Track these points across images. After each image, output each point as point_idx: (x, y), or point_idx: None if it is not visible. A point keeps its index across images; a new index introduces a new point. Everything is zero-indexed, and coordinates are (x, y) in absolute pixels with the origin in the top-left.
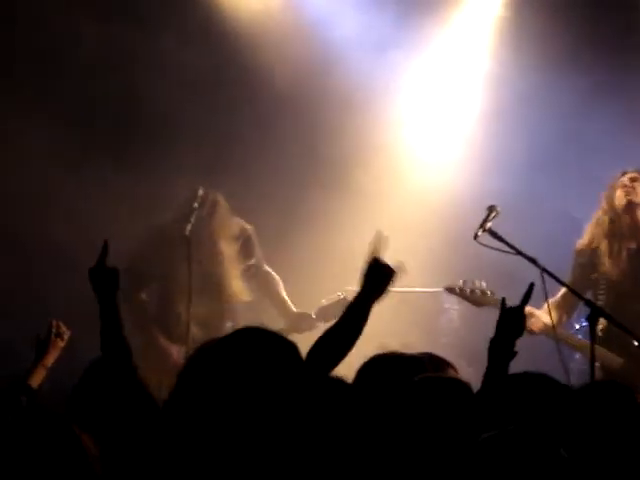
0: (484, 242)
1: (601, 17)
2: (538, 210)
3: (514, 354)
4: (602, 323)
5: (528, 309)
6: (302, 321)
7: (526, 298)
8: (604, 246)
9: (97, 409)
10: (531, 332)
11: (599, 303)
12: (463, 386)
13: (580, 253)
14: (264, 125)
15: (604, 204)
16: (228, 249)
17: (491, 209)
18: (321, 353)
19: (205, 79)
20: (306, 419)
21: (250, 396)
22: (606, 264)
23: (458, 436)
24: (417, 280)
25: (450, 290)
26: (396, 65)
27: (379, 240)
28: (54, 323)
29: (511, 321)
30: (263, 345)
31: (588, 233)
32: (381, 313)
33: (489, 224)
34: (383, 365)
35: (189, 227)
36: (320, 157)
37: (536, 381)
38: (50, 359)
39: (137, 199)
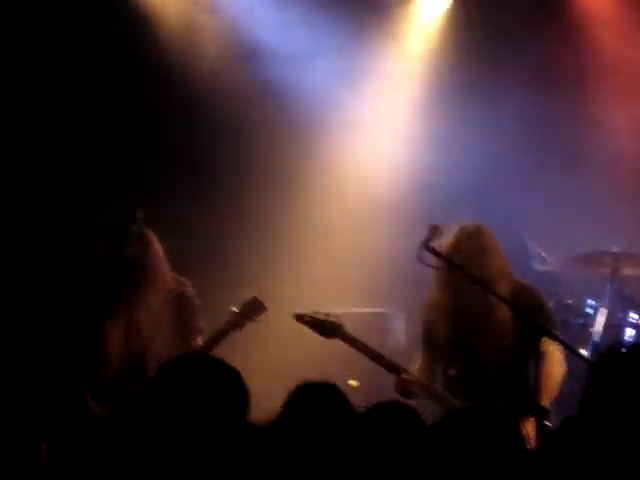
0: (427, 261)
1: None
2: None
3: None
4: (454, 369)
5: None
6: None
7: None
8: None
9: None
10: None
11: None
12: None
13: None
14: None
15: None
16: (155, 296)
17: (433, 228)
18: None
19: None
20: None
21: (191, 423)
22: None
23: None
24: (361, 300)
25: (299, 318)
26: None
27: None
28: None
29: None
30: (205, 371)
31: None
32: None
33: (431, 243)
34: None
35: (127, 250)
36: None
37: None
38: None
39: None
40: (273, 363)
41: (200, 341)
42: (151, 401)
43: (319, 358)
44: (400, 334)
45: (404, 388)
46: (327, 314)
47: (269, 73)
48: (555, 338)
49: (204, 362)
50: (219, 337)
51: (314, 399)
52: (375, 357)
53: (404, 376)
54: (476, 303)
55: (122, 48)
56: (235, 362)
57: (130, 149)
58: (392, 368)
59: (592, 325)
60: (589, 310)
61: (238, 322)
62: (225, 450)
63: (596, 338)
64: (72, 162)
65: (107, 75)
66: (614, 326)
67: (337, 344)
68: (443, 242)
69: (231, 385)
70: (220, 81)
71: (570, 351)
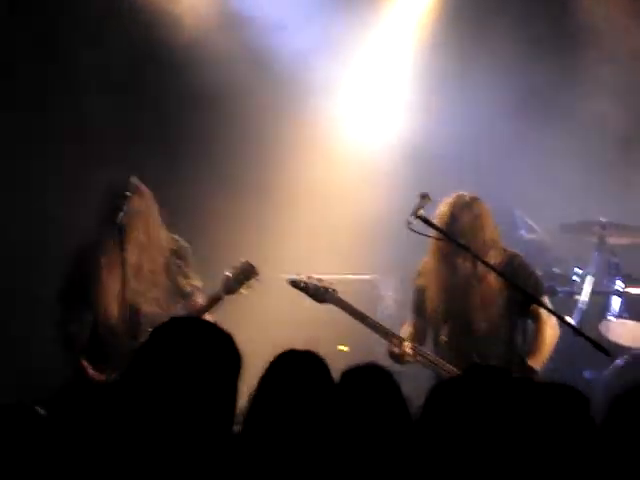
0: (416, 229)
1: None
2: None
3: None
4: (444, 335)
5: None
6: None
7: None
8: None
9: None
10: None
11: None
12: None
13: None
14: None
15: None
16: (157, 243)
17: (423, 196)
18: None
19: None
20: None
21: (187, 386)
22: None
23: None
24: (351, 266)
25: (294, 284)
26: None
27: None
28: None
29: None
30: (198, 335)
31: None
32: (314, 302)
33: (421, 211)
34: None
35: (122, 215)
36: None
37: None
38: None
39: None
40: (265, 328)
41: (201, 299)
42: (143, 365)
43: (311, 323)
44: (390, 300)
45: (397, 354)
46: (320, 279)
47: (253, 40)
48: (543, 306)
49: (197, 326)
50: (212, 302)
51: (293, 367)
52: (368, 323)
53: (397, 342)
54: (467, 271)
55: (105, 18)
56: (227, 326)
57: (119, 117)
58: (385, 334)
59: (578, 293)
60: (576, 278)
61: (231, 287)
62: (217, 414)
63: (582, 306)
64: (69, 130)
65: (95, 45)
66: (600, 294)
67: (328, 310)
68: (438, 210)
69: (224, 349)
70: (203, 49)
71: (557, 318)
